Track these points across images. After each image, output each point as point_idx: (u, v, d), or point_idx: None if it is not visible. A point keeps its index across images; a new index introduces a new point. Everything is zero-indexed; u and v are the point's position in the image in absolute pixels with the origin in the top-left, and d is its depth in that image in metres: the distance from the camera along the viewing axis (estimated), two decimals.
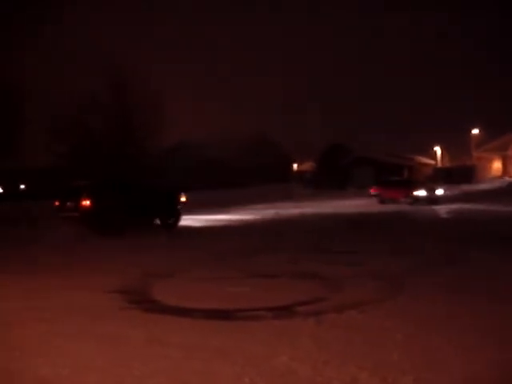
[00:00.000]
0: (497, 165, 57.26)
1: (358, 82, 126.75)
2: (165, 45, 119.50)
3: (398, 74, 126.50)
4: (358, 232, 15.63)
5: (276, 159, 59.80)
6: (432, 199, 28.63)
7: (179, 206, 19.05)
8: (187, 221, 19.85)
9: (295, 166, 69.99)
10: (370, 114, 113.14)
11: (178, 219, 18.88)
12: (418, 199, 28.51)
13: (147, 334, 5.38)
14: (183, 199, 19.30)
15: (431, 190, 29.56)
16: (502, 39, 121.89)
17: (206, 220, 21.14)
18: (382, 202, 30.63)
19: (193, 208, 21.62)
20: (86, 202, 16.65)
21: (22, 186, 57.99)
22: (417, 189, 29.52)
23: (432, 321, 5.56)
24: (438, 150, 65.45)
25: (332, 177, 51.42)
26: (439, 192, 29.74)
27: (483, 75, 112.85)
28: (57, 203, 17.73)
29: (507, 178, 49.92)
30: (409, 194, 29.05)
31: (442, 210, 23.94)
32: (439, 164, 64.93)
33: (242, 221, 20.41)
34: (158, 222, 18.47)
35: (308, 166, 67.15)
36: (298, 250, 11.64)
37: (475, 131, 60.00)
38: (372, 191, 32.63)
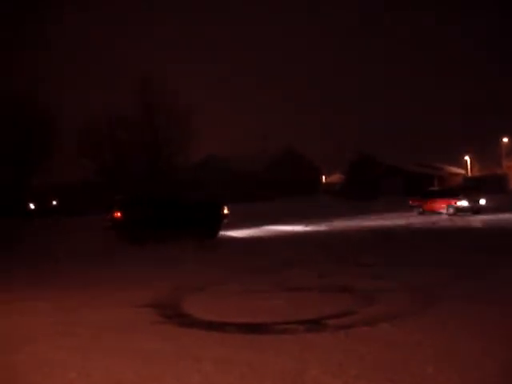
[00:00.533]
0: None
1: (380, 89, 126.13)
2: (191, 57, 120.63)
3: (425, 83, 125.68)
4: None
5: (304, 172, 59.80)
6: (475, 209, 27.98)
7: (223, 219, 19.89)
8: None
9: (324, 178, 69.89)
10: (397, 124, 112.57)
11: (216, 231, 19.59)
12: (460, 209, 27.87)
13: (179, 349, 5.41)
14: (226, 211, 20.06)
15: (474, 200, 28.67)
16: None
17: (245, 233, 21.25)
18: (422, 213, 29.76)
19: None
20: (118, 214, 18.63)
21: (54, 202, 58.69)
22: (459, 199, 28.77)
23: (464, 334, 5.49)
24: (467, 159, 64.77)
25: (362, 188, 51.13)
26: (482, 202, 28.82)
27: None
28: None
29: None
30: (451, 204, 28.30)
31: (488, 220, 23.32)
32: (469, 173, 64.20)
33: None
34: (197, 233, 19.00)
35: (336, 177, 66.98)
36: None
37: (505, 140, 59.30)
38: (411, 202, 31.61)
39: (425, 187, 39.70)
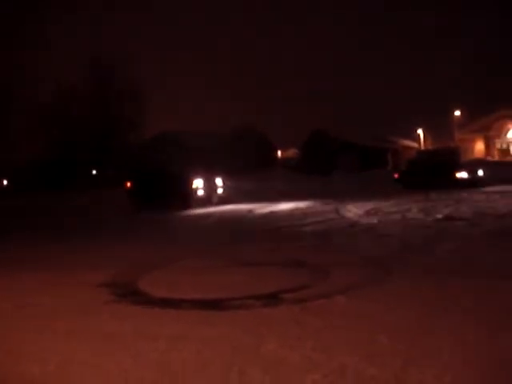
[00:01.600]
0: (479, 146, 57.55)
1: (335, 65, 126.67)
2: (150, 34, 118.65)
3: (378, 58, 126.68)
4: None
5: (260, 147, 59.73)
6: (474, 181, 25.20)
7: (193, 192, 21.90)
8: None
9: (279, 153, 69.98)
10: (350, 99, 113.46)
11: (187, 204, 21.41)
12: (460, 182, 24.86)
13: (134, 328, 5.35)
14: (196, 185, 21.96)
15: (472, 172, 26.14)
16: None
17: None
18: (407, 187, 25.94)
19: None
20: (128, 184, 23.61)
21: (5, 182, 57.38)
22: (458, 170, 26.11)
23: (421, 305, 5.57)
24: (420, 132, 65.72)
25: (316, 163, 51.39)
26: (480, 173, 26.36)
27: (463, 56, 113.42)
28: None
29: (490, 159, 50.14)
30: (448, 177, 25.22)
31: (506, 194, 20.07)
32: (422, 146, 65.18)
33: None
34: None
35: (291, 153, 67.19)
36: None
37: (457, 113, 60.32)
38: (396, 176, 28.48)
39: (380, 161, 40.08)
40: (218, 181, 23.33)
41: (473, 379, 3.71)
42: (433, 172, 26.31)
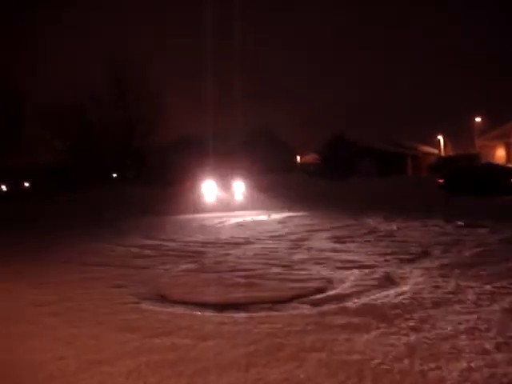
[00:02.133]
0: (500, 152, 57.05)
1: (357, 71, 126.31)
2: (169, 35, 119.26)
3: (398, 62, 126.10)
4: None
5: (279, 152, 59.76)
6: None
7: None
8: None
9: (298, 158, 69.95)
10: (370, 104, 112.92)
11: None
12: None
13: (154, 325, 5.40)
14: None
15: None
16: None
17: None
18: (454, 193, 24.44)
19: None
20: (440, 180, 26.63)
21: (26, 184, 57.95)
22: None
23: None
24: (440, 138, 65.32)
25: (335, 168, 51.29)
26: None
27: (484, 62, 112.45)
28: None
29: None
30: (503, 183, 23.88)
31: None
32: (442, 153, 64.78)
33: None
34: None
35: (310, 158, 67.10)
36: None
37: (478, 119, 59.90)
38: (441, 181, 26.50)
39: (399, 166, 39.85)
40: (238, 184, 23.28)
41: None
42: (484, 178, 25.26)
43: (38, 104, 51.16)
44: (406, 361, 4.11)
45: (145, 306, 6.36)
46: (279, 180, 34.93)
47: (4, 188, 54.22)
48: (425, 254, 8.96)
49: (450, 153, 64.63)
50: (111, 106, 53.44)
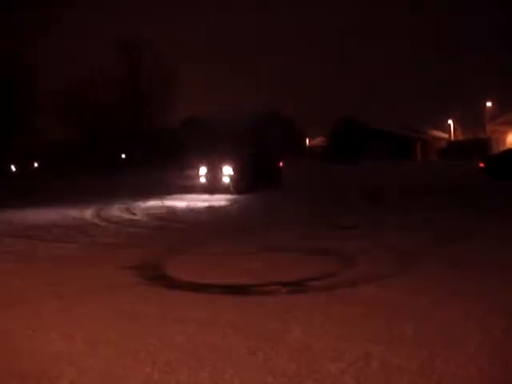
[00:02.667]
0: (510, 138, 56.68)
1: (371, 58, 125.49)
2: (177, 19, 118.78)
3: (411, 49, 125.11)
4: None
5: (288, 134, 59.59)
6: None
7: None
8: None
9: (308, 141, 69.78)
10: (382, 88, 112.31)
11: None
12: None
13: (161, 310, 5.42)
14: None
15: None
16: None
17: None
18: (499, 178, 22.33)
19: None
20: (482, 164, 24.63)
21: (36, 165, 58.15)
22: None
23: (446, 296, 5.54)
24: (451, 123, 64.93)
25: (344, 151, 51.13)
26: None
27: (494, 47, 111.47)
28: None
29: None
30: None
31: None
32: (452, 137, 64.44)
33: None
34: None
35: (319, 141, 66.90)
36: None
37: (488, 104, 59.44)
38: (482, 165, 24.63)
39: (408, 150, 39.74)
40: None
41: (498, 372, 3.69)
42: None
43: (50, 84, 51.29)
44: None
45: None
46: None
47: (13, 168, 54.39)
48: None
49: (460, 137, 64.25)
50: (122, 86, 53.35)
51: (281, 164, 24.89)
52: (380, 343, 4.21)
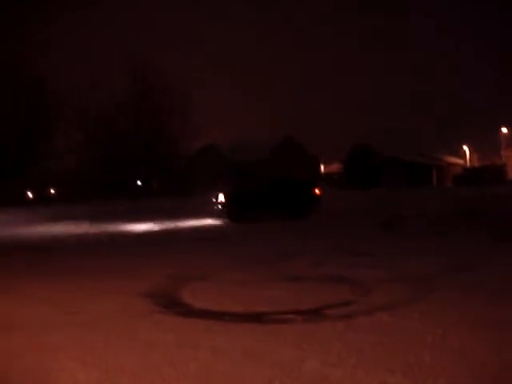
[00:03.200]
0: None
1: (377, 81, 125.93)
2: (192, 47, 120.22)
3: (424, 74, 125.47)
4: None
5: (303, 161, 59.71)
6: None
7: None
8: None
9: (322, 167, 69.85)
10: (396, 114, 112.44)
11: None
12: None
13: (176, 338, 5.41)
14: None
15: None
16: None
17: None
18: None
19: None
20: None
21: (52, 191, 58.66)
22: None
23: (463, 323, 5.47)
24: (466, 149, 64.74)
25: (360, 178, 51.09)
26: None
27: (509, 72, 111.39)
28: None
29: None
30: None
31: None
32: (468, 164, 64.18)
33: None
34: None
35: (335, 167, 66.95)
36: None
37: (504, 130, 59.26)
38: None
39: (425, 177, 39.57)
40: None
41: None
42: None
43: (65, 114, 51.90)
44: None
45: None
46: None
47: (30, 195, 54.88)
48: None
49: (476, 164, 64.00)
50: (138, 115, 53.91)
51: (317, 191, 22.65)
52: (396, 372, 4.16)
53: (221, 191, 22.42)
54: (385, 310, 6.10)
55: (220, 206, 22.06)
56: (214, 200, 22.74)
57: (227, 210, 21.71)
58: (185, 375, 4.35)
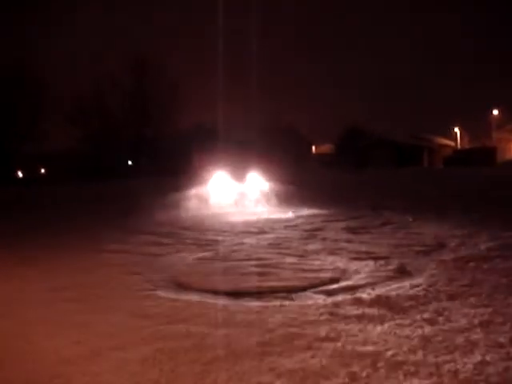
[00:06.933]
0: None
1: (373, 64, 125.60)
2: (183, 30, 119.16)
3: (417, 56, 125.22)
4: None
5: (294, 142, 59.56)
6: None
7: None
8: None
9: (314, 148, 69.81)
10: (388, 95, 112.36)
11: None
12: None
13: (171, 312, 5.46)
14: None
15: None
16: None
17: None
18: None
19: None
20: None
21: (42, 171, 58.38)
22: None
23: None
24: (457, 131, 64.87)
25: (350, 159, 51.11)
26: None
27: (505, 54, 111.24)
28: None
29: None
30: None
31: None
32: (459, 145, 64.33)
33: None
34: None
35: (326, 148, 66.95)
36: None
37: (495, 112, 59.38)
38: None
39: (415, 159, 39.64)
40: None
41: None
42: None
43: (58, 92, 51.59)
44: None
45: None
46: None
47: (20, 174, 54.61)
48: None
49: (467, 145, 64.17)
50: (128, 94, 53.63)
51: None
52: None
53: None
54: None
55: None
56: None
57: None
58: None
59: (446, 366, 3.84)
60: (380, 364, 3.91)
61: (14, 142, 50.42)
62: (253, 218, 14.42)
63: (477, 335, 4.42)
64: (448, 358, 3.98)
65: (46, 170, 58.68)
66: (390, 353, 4.12)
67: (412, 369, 3.82)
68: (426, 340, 4.37)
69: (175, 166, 45.67)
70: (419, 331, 4.59)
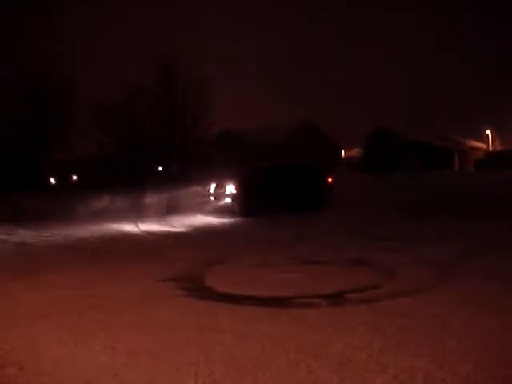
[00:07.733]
0: None
1: (407, 68, 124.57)
2: (214, 33, 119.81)
3: (450, 59, 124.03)
4: None
5: (325, 146, 59.37)
6: None
7: None
8: None
9: (343, 152, 69.47)
10: (420, 98, 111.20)
11: None
12: None
13: (200, 321, 5.43)
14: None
15: None
16: None
17: None
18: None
19: None
20: None
21: (75, 177, 59.07)
22: None
23: (488, 307, 5.44)
24: (488, 133, 63.84)
25: (378, 163, 50.63)
26: None
27: None
28: None
29: None
30: None
31: None
32: (490, 148, 63.30)
33: None
34: None
35: (355, 152, 66.47)
36: None
37: None
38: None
39: (446, 162, 38.96)
40: None
41: None
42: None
43: (87, 100, 52.06)
44: None
45: None
46: None
47: (53, 181, 55.31)
48: None
49: (499, 148, 63.10)
50: (157, 101, 53.90)
51: (329, 180, 20.45)
52: (423, 356, 4.15)
53: (229, 181, 19.25)
54: (408, 294, 6.08)
55: (227, 199, 19.01)
56: (210, 191, 20.07)
57: (240, 204, 18.68)
58: (211, 358, 4.34)
59: None
60: None
61: (43, 149, 50.99)
62: None
63: None
64: None
65: (77, 177, 59.26)
66: None
67: None
68: None
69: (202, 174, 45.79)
70: None
